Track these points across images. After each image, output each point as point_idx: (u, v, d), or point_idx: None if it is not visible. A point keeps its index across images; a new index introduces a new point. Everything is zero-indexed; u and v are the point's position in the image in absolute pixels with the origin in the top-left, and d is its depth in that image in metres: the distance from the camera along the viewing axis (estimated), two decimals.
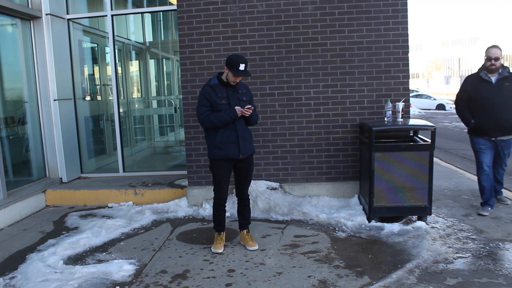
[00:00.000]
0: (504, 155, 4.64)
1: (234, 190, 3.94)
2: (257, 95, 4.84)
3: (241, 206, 3.89)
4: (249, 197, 3.94)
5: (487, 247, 3.63)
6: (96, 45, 7.47)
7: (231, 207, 4.57)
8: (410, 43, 4.78)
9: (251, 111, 3.54)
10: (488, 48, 4.45)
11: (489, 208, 4.53)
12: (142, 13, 7.95)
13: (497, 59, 4.40)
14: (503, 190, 5.00)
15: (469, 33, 58.37)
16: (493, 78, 4.43)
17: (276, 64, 4.85)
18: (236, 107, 3.53)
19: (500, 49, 4.44)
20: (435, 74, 57.27)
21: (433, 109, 25.13)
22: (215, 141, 3.59)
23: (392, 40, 4.72)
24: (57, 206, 5.49)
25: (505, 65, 4.47)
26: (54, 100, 5.72)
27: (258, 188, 4.82)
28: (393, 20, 4.70)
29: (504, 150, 4.60)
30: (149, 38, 8.82)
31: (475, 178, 6.31)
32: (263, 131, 4.92)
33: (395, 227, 4.09)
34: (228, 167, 3.71)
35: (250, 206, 3.98)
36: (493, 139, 4.50)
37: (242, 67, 3.47)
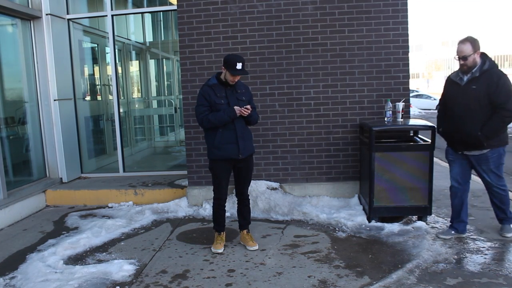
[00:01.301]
0: (484, 172, 3.75)
1: (234, 190, 3.94)
2: (257, 95, 4.84)
3: (241, 206, 3.89)
4: (249, 197, 3.93)
5: (487, 247, 3.63)
6: (96, 45, 7.47)
7: (231, 207, 4.57)
8: (410, 43, 4.78)
9: (249, 111, 3.54)
10: (458, 43, 3.64)
11: (452, 232, 3.92)
12: (142, 13, 7.95)
13: (464, 58, 3.56)
14: None
15: (469, 33, 58.32)
16: (465, 79, 3.65)
17: (276, 64, 4.85)
18: (235, 107, 3.53)
19: (472, 42, 3.56)
20: (435, 74, 57.25)
21: (433, 109, 25.09)
22: (214, 141, 3.59)
23: (392, 40, 4.72)
24: (57, 206, 5.48)
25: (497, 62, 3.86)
26: (54, 100, 5.72)
27: (258, 188, 4.82)
28: (393, 20, 4.70)
29: (481, 166, 3.74)
30: (149, 38, 8.82)
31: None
32: (263, 131, 4.92)
33: (395, 227, 4.09)
34: (228, 167, 3.71)
35: (250, 206, 3.98)
36: (459, 152, 3.81)
37: (239, 66, 3.47)
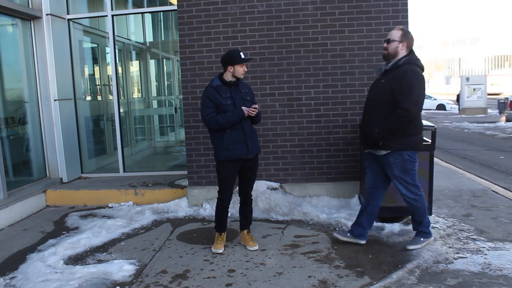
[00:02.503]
0: (392, 178, 3.48)
1: (238, 189, 3.92)
2: (257, 95, 4.83)
3: (244, 206, 3.88)
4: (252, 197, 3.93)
5: (488, 247, 3.63)
6: (96, 45, 7.47)
7: (231, 207, 4.53)
8: None
9: (257, 111, 3.55)
10: None
11: (348, 234, 3.77)
12: (142, 13, 7.96)
13: (388, 40, 3.38)
14: None
15: (469, 33, 58.42)
16: (384, 70, 3.45)
17: (277, 64, 4.85)
18: (243, 108, 3.54)
19: (403, 32, 3.37)
20: (436, 74, 57.35)
21: (433, 109, 25.11)
22: (223, 142, 3.57)
23: None
24: (57, 206, 5.49)
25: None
26: (55, 100, 5.72)
27: (258, 188, 4.82)
28: (394, 20, 4.70)
29: (387, 170, 3.49)
30: (149, 38, 8.83)
31: (476, 178, 6.33)
32: (264, 131, 4.92)
33: (396, 227, 4.09)
34: (236, 168, 3.70)
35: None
36: (366, 151, 3.63)
37: (242, 54, 3.57)
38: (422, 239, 3.63)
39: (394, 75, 3.32)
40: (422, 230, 3.64)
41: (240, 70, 3.57)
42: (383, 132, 3.34)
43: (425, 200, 3.60)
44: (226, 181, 3.70)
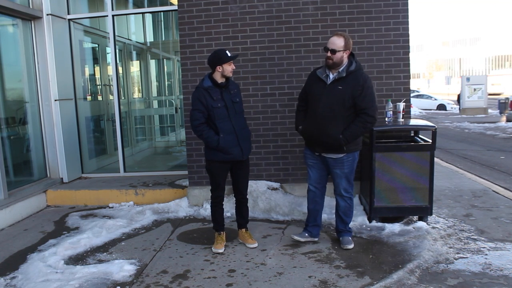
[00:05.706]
0: (338, 176, 3.64)
1: (233, 190, 3.93)
2: (257, 95, 4.85)
3: (241, 206, 3.90)
4: (248, 197, 3.94)
5: (488, 248, 3.63)
6: (97, 45, 7.47)
7: (231, 207, 4.57)
8: (410, 43, 4.77)
9: None
10: (333, 36, 3.52)
11: (306, 234, 3.87)
12: (143, 13, 7.96)
13: (333, 51, 3.41)
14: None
15: (469, 33, 58.41)
16: (331, 77, 3.51)
17: (277, 65, 4.85)
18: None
19: (346, 39, 3.43)
20: (436, 74, 57.37)
21: (433, 109, 25.14)
22: (219, 144, 3.58)
23: (393, 41, 4.72)
24: (58, 206, 5.49)
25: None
26: (55, 100, 5.73)
27: (259, 188, 4.82)
28: (394, 21, 4.70)
29: (336, 170, 3.63)
30: (150, 38, 8.83)
31: (476, 178, 6.33)
32: (264, 131, 4.92)
33: (396, 227, 4.09)
34: (227, 167, 3.74)
35: (251, 206, 3.98)
36: (317, 154, 3.68)
37: (229, 53, 3.57)
38: (350, 238, 3.81)
39: (353, 83, 3.43)
40: (349, 229, 3.85)
41: (229, 69, 3.57)
42: (350, 137, 3.47)
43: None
44: (218, 180, 3.73)
